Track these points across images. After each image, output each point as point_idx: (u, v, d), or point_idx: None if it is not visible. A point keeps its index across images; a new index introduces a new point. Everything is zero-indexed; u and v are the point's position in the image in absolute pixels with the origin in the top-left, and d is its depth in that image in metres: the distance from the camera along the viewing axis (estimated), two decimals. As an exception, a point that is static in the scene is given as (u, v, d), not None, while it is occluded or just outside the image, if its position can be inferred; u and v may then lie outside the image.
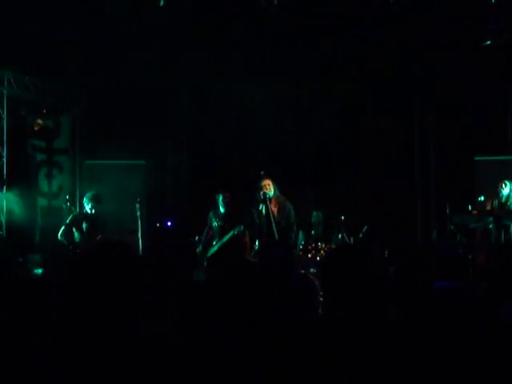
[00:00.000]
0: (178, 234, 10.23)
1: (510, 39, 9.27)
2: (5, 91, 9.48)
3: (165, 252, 9.56)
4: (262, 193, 7.98)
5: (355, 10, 9.44)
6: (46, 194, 10.45)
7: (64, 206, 8.81)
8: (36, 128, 10.14)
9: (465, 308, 2.55)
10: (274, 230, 7.87)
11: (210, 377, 2.32)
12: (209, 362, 2.35)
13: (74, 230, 8.45)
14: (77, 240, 8.40)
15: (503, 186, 8.54)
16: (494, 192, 8.60)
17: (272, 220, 7.91)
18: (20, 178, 9.81)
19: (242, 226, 8.32)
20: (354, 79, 10.29)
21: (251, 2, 9.28)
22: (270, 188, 8.07)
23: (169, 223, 10.54)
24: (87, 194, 8.79)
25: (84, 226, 8.45)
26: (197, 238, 8.86)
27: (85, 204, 8.62)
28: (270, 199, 8.03)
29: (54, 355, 2.09)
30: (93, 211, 8.50)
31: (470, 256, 8.03)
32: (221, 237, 8.48)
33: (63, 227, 8.46)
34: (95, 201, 8.54)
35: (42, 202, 10.32)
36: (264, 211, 8.03)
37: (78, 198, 10.17)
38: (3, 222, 9.41)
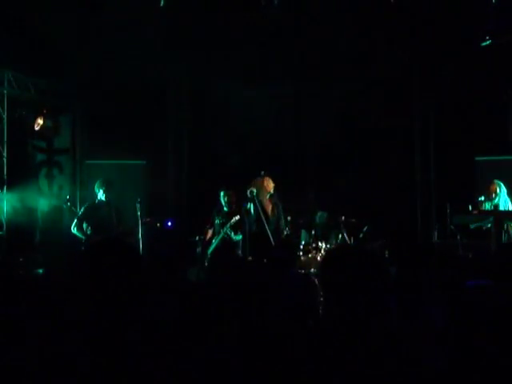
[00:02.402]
0: (177, 234, 10.22)
1: (510, 39, 9.26)
2: (5, 91, 9.47)
3: (165, 252, 9.54)
4: (249, 191, 8.00)
5: (355, 9, 9.44)
6: (46, 194, 10.45)
7: (64, 205, 8.78)
8: (36, 128, 10.13)
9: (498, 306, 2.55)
10: (267, 228, 7.88)
11: (210, 376, 2.32)
12: (208, 360, 2.34)
13: (84, 222, 8.10)
14: (89, 232, 8.08)
15: (497, 188, 8.57)
16: (487, 194, 8.63)
17: (263, 218, 7.92)
18: (20, 177, 9.80)
19: (238, 216, 8.34)
20: (354, 79, 10.29)
21: (251, 1, 9.29)
22: (264, 186, 8.11)
23: (169, 223, 10.53)
24: (98, 181, 8.38)
25: (96, 217, 8.09)
26: (197, 237, 8.87)
27: (96, 191, 8.24)
28: (259, 199, 8.03)
29: (54, 354, 2.09)
30: (106, 198, 8.12)
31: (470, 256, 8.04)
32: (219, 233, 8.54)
33: (76, 220, 8.12)
34: (107, 186, 8.18)
35: (42, 202, 10.32)
36: (253, 211, 8.05)
37: (78, 198, 10.16)
38: (3, 221, 9.41)
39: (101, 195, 8.20)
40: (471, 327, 2.48)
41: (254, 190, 8.08)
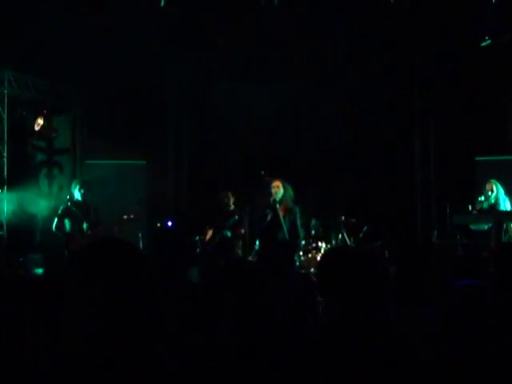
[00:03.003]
0: (177, 234, 10.22)
1: (510, 39, 9.26)
2: (5, 91, 9.47)
3: (165, 252, 9.57)
4: (272, 199, 7.80)
5: (355, 9, 9.44)
6: (46, 194, 10.44)
7: (64, 205, 8.79)
8: (36, 128, 10.13)
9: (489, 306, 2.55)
10: (286, 233, 7.74)
11: (209, 377, 2.32)
12: (208, 361, 2.34)
13: (66, 220, 8.27)
14: (68, 230, 8.24)
15: (493, 187, 8.59)
16: (484, 193, 8.65)
17: (282, 224, 7.78)
18: (20, 177, 9.80)
19: (237, 217, 8.32)
20: (354, 79, 10.29)
21: (251, 1, 9.29)
22: (279, 190, 7.88)
23: (169, 223, 10.54)
24: (75, 181, 8.67)
25: (76, 215, 8.26)
26: (197, 237, 8.88)
27: (73, 191, 8.43)
28: (279, 202, 7.83)
29: (53, 355, 2.09)
30: (82, 198, 8.31)
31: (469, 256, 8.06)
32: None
33: (56, 219, 8.32)
34: (85, 187, 8.37)
35: (42, 202, 10.31)
36: (269, 217, 7.87)
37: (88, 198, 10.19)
38: (3, 221, 9.40)
39: (77, 195, 8.36)
40: (467, 327, 2.48)
41: (276, 197, 7.93)
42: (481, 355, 2.39)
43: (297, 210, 7.81)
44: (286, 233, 7.59)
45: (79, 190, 8.34)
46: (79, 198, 8.36)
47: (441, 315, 2.60)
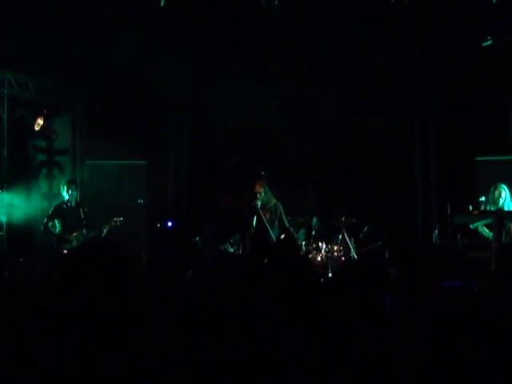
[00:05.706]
0: (177, 234, 10.22)
1: (510, 39, 9.26)
2: (5, 91, 9.47)
3: (165, 252, 9.57)
4: (254, 204, 7.90)
5: (355, 9, 9.44)
6: (46, 195, 10.44)
7: (64, 206, 8.79)
8: (36, 128, 10.12)
9: (477, 308, 2.53)
10: (271, 234, 7.80)
11: (209, 376, 2.32)
12: (207, 360, 2.34)
13: (56, 220, 8.43)
14: (57, 230, 8.39)
15: (502, 193, 8.51)
16: (492, 199, 8.59)
17: (267, 226, 7.84)
18: (20, 178, 9.80)
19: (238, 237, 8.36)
20: (354, 79, 10.28)
21: (251, 1, 9.29)
22: (260, 194, 7.97)
23: (169, 223, 10.54)
24: (63, 181, 8.86)
25: (66, 215, 8.44)
26: (197, 238, 8.89)
27: (62, 191, 8.61)
28: (261, 207, 7.92)
29: (52, 355, 2.09)
30: (71, 198, 8.50)
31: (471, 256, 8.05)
32: None
33: (46, 218, 8.50)
34: (70, 186, 8.56)
35: (42, 202, 10.31)
36: (255, 221, 7.95)
37: (78, 199, 10.17)
38: (3, 221, 9.40)
39: (65, 195, 8.53)
40: (466, 328, 2.48)
41: (259, 203, 7.99)
42: (480, 356, 2.39)
43: (280, 207, 7.96)
44: (273, 235, 7.66)
45: (67, 191, 8.47)
46: (68, 198, 8.51)
47: (430, 315, 2.59)
